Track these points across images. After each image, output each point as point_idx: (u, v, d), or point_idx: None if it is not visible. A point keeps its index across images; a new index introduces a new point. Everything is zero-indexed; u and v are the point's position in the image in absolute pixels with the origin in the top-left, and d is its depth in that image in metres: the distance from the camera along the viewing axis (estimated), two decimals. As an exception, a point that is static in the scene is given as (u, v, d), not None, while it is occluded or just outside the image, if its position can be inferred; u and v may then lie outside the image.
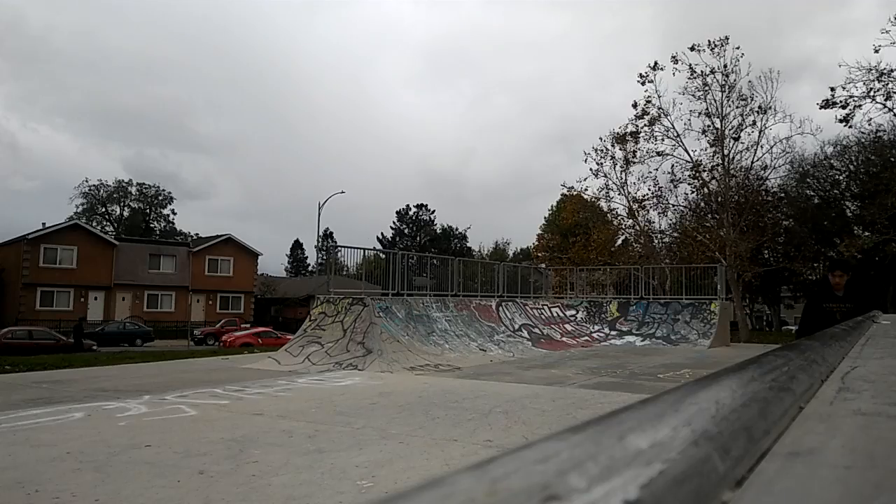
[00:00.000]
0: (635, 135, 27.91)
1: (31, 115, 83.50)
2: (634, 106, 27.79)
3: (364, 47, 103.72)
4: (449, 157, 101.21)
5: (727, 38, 26.06)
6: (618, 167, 28.57)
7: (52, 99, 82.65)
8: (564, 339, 16.19)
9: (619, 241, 33.09)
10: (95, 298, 39.09)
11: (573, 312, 18.94)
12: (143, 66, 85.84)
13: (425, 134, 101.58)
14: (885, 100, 24.90)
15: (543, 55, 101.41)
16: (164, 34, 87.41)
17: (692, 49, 26.35)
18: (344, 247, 15.68)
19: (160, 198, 65.20)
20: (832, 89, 25.72)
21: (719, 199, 26.92)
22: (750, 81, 26.39)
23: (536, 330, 15.89)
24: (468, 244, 68.41)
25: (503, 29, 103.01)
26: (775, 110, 26.02)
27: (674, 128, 27.44)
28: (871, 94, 24.88)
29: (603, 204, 30.33)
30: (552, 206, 47.07)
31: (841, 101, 25.49)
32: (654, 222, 30.31)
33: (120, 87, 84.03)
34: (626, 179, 29.06)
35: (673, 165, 27.83)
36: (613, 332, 17.26)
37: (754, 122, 26.30)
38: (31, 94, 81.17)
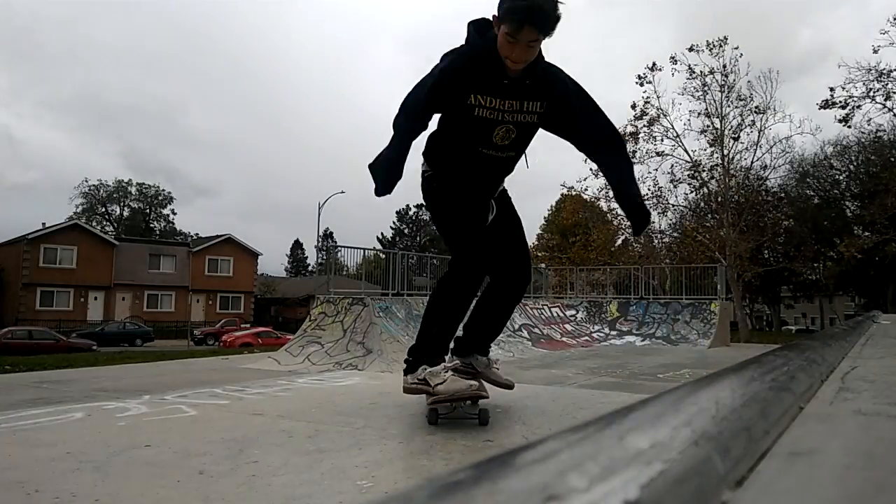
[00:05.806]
0: (634, 136, 27.95)
1: (31, 114, 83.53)
2: (633, 107, 27.86)
3: (365, 46, 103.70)
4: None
5: (726, 39, 26.13)
6: (617, 167, 28.59)
7: (53, 99, 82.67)
8: (564, 339, 16.18)
9: (619, 241, 33.10)
10: (95, 298, 39.09)
11: (573, 312, 18.93)
12: (142, 64, 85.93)
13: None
14: (885, 100, 24.95)
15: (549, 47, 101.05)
16: (162, 29, 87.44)
17: (691, 49, 26.43)
18: (344, 247, 15.63)
19: (160, 198, 65.25)
20: (831, 89, 25.77)
21: (719, 198, 26.94)
22: (749, 81, 26.50)
23: (536, 330, 15.88)
24: (468, 244, 68.30)
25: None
26: (774, 110, 26.11)
27: (673, 128, 27.50)
28: (871, 94, 24.94)
29: (603, 204, 30.32)
30: (552, 206, 47.02)
31: (840, 102, 25.54)
32: (654, 222, 30.35)
33: (121, 86, 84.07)
34: (625, 179, 29.06)
35: (672, 165, 27.87)
36: (613, 332, 17.24)
37: (753, 122, 26.38)
38: (31, 93, 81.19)
